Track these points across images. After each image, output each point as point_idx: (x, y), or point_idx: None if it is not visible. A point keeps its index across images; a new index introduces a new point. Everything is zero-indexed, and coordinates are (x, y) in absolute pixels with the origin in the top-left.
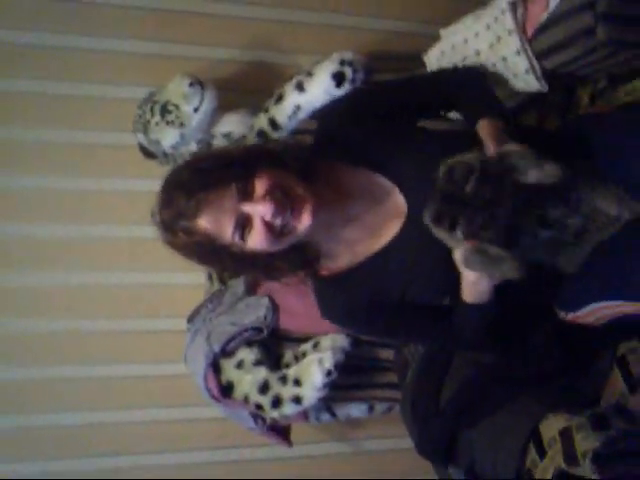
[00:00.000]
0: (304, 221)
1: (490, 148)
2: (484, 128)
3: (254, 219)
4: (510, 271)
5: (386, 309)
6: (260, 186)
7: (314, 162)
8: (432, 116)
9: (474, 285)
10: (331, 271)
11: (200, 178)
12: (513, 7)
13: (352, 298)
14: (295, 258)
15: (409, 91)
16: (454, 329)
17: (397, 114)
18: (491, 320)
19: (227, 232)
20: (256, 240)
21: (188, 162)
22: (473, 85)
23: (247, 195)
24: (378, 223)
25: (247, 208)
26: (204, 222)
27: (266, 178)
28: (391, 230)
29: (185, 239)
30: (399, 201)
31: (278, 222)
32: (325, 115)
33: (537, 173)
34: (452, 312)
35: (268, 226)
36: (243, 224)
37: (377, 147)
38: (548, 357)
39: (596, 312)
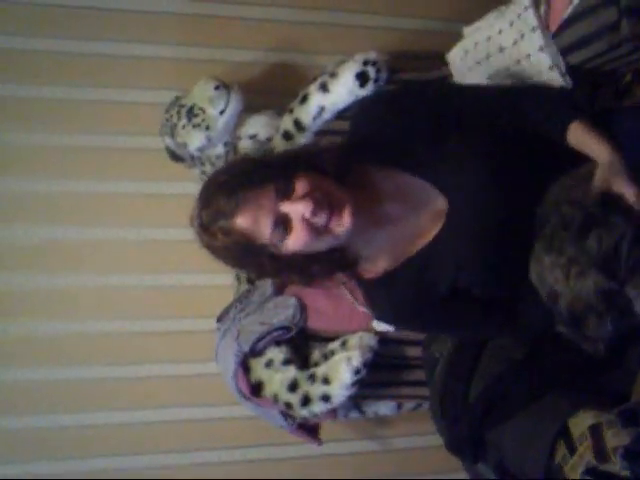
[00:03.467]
0: (345, 222)
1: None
2: (576, 137)
3: (293, 219)
4: None
5: (436, 305)
6: (300, 187)
7: (350, 165)
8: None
9: None
10: (376, 273)
11: (240, 178)
12: (536, 3)
13: (402, 296)
14: (333, 262)
15: (470, 100)
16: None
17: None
18: None
19: (266, 231)
20: (295, 239)
21: (227, 166)
22: (550, 96)
23: (286, 195)
24: (418, 223)
25: (286, 207)
26: (243, 221)
27: (305, 180)
28: (433, 228)
29: (223, 239)
30: (439, 200)
31: (318, 221)
32: (358, 117)
33: None
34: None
35: (308, 225)
36: (283, 224)
37: (412, 150)
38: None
39: None
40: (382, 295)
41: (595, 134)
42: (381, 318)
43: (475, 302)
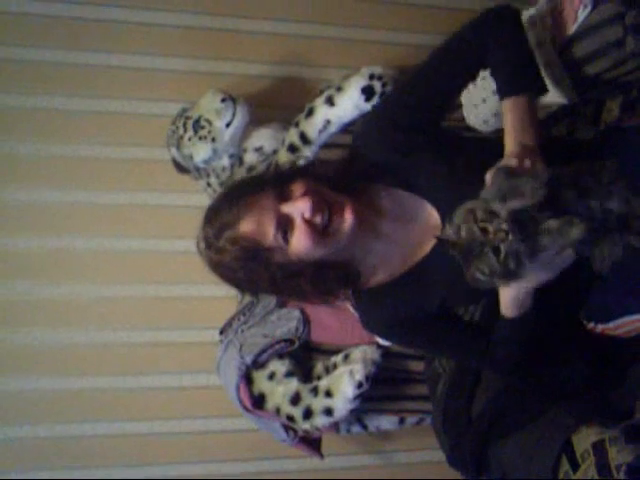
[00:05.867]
0: (347, 219)
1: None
2: (509, 110)
3: (295, 219)
4: (578, 229)
5: (425, 321)
6: (297, 189)
7: (348, 180)
8: (465, 84)
9: (514, 299)
10: (370, 285)
11: (239, 190)
12: (541, 20)
13: (392, 310)
14: (339, 274)
15: (433, 71)
16: (491, 347)
17: (427, 111)
18: (528, 333)
19: (269, 233)
20: (299, 239)
21: (229, 184)
22: (507, 33)
23: (285, 197)
24: (413, 239)
25: (286, 208)
26: (246, 225)
27: (302, 183)
28: (427, 244)
29: (231, 250)
30: (433, 216)
31: (319, 220)
32: (357, 138)
33: (517, 201)
34: (488, 330)
35: (310, 225)
36: (284, 225)
37: (408, 167)
38: (575, 372)
39: (627, 324)
40: (374, 307)
41: (531, 119)
42: (370, 329)
43: (461, 326)
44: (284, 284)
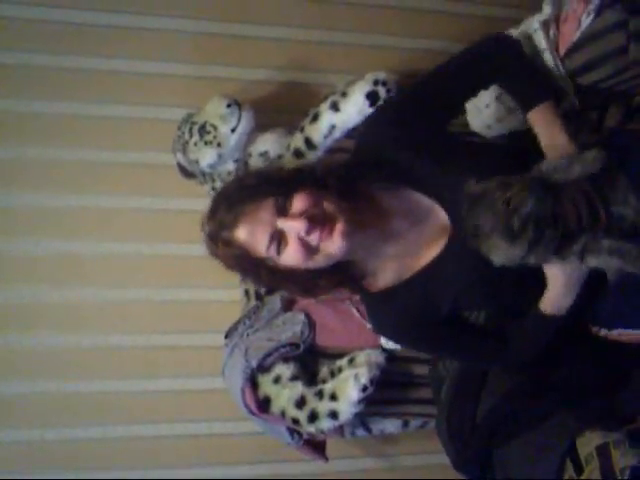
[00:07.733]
0: (335, 242)
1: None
2: (537, 120)
3: (288, 235)
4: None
5: (435, 324)
6: (297, 203)
7: (353, 181)
8: (470, 98)
9: (564, 291)
10: (379, 287)
11: (242, 192)
12: (545, 26)
13: (404, 312)
14: (336, 276)
15: (444, 79)
16: (514, 341)
17: (435, 111)
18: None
19: (262, 245)
20: (289, 256)
21: (235, 179)
22: (513, 56)
23: (283, 211)
24: (422, 240)
25: (281, 224)
26: (241, 233)
27: (304, 197)
28: (437, 245)
29: (225, 250)
30: (442, 217)
31: (313, 240)
32: (362, 136)
33: (579, 167)
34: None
35: (302, 243)
36: (278, 239)
37: (416, 166)
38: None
39: (630, 335)
40: (383, 308)
41: (560, 121)
42: (379, 331)
43: (471, 330)
44: (271, 283)
